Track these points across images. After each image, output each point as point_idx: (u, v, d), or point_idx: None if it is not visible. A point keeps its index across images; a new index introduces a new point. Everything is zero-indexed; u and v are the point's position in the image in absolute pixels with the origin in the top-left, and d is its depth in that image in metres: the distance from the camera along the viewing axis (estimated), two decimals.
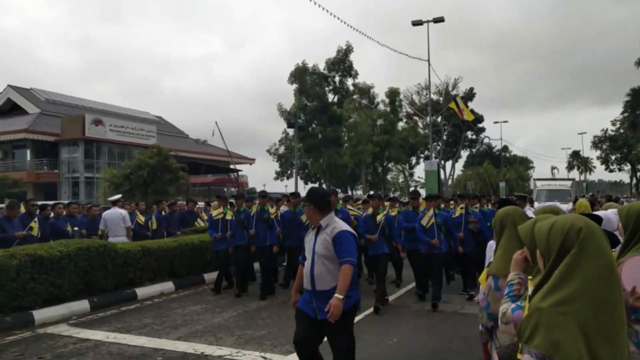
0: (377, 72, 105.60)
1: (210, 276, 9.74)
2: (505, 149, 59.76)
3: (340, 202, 9.69)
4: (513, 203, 3.62)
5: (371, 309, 7.21)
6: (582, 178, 70.35)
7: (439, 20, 23.44)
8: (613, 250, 1.92)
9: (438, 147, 50.40)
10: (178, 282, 9.40)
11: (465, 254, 8.34)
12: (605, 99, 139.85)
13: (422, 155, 51.69)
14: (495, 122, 50.23)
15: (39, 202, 10.39)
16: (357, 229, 8.13)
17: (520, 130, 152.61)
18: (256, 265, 9.96)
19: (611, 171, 62.46)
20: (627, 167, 60.50)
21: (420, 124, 50.30)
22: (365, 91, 46.08)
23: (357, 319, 6.72)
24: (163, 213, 11.66)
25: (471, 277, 8.26)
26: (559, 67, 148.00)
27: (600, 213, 3.63)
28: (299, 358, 3.72)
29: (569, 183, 28.54)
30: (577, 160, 73.91)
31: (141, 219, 11.09)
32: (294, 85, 40.17)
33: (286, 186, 48.80)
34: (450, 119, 47.84)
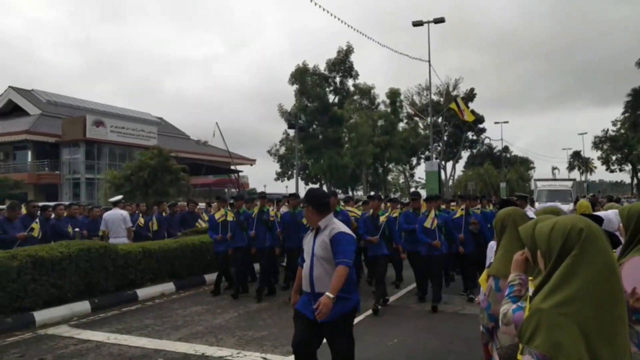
0: (378, 72, 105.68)
1: (211, 277, 9.74)
2: (505, 149, 59.80)
3: (342, 203, 9.69)
4: (514, 204, 3.63)
5: (371, 310, 7.21)
6: (583, 178, 70.28)
7: (439, 20, 23.45)
8: (614, 250, 1.92)
9: (439, 148, 50.42)
10: (179, 283, 9.41)
11: (465, 255, 8.33)
12: (606, 99, 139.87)
13: (422, 156, 51.73)
14: (495, 123, 50.26)
15: (40, 203, 10.40)
16: (357, 230, 8.14)
17: (521, 131, 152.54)
18: (257, 266, 9.95)
19: (612, 171, 62.48)
20: (628, 167, 60.48)
21: (420, 125, 50.33)
22: (365, 92, 46.11)
23: (357, 319, 6.72)
24: (164, 214, 11.67)
25: (471, 278, 8.24)
26: (560, 67, 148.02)
27: (600, 213, 3.63)
28: None
29: (570, 183, 28.52)
30: (578, 161, 73.86)
31: (142, 221, 11.09)
32: (295, 86, 40.19)
33: (287, 187, 48.85)
34: (450, 119, 47.86)
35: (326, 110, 39.32)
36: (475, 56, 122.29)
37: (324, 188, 43.05)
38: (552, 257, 1.67)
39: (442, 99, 48.06)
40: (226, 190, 40.35)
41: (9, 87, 41.66)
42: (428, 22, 23.55)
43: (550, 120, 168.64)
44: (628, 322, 1.64)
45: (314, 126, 40.04)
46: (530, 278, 1.97)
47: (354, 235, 3.70)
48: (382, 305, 7.54)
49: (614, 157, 60.47)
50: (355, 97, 45.29)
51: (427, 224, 7.69)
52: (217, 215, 8.89)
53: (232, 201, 10.46)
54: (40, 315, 6.84)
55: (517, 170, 57.00)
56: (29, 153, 38.86)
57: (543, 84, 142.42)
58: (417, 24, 23.64)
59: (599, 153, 61.99)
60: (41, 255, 6.99)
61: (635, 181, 60.95)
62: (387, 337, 6.07)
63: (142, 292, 8.59)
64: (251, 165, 51.58)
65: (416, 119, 47.97)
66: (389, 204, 10.10)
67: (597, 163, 67.30)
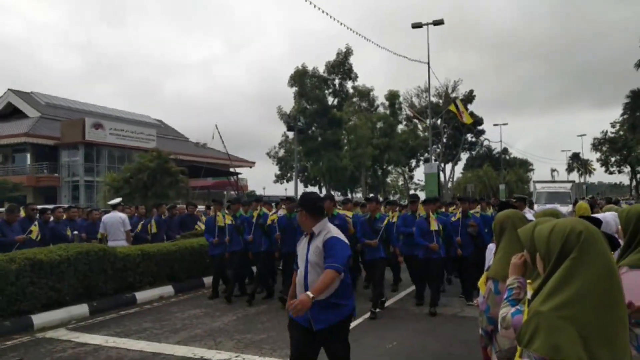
0: (377, 74, 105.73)
1: (210, 280, 9.70)
2: (505, 151, 59.87)
3: (341, 204, 9.66)
4: (513, 206, 3.62)
5: (369, 313, 7.19)
6: (582, 180, 70.44)
7: (438, 22, 23.47)
8: (612, 252, 1.91)
9: (438, 150, 50.42)
10: (178, 286, 9.39)
11: (464, 258, 8.25)
12: (605, 101, 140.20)
13: (421, 158, 51.75)
14: (495, 125, 50.40)
15: (39, 206, 10.40)
16: (355, 233, 8.11)
17: (520, 133, 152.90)
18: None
19: (611, 173, 62.60)
20: (627, 169, 60.61)
21: (420, 127, 50.34)
22: (365, 94, 46.14)
23: (355, 323, 6.72)
24: (162, 217, 11.66)
25: (470, 281, 8.19)
26: (559, 69, 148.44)
27: (599, 216, 3.63)
28: None
29: (569, 185, 28.55)
30: (577, 163, 74.00)
31: (139, 228, 11.07)
32: (294, 88, 40.21)
33: (286, 189, 48.89)
34: (450, 121, 47.88)
35: (325, 112, 39.33)
36: (475, 57, 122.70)
37: (323, 190, 43.06)
38: (551, 259, 1.66)
39: (441, 101, 48.10)
40: (225, 192, 40.32)
41: (8, 89, 41.64)
42: (427, 24, 23.58)
43: (550, 122, 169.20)
44: (628, 324, 1.63)
45: (313, 128, 40.04)
46: (528, 281, 1.97)
47: (347, 242, 3.58)
48: (380, 307, 7.53)
49: (613, 159, 60.60)
50: (354, 99, 45.32)
51: (433, 227, 7.67)
52: (220, 220, 8.81)
53: (228, 204, 10.43)
54: (38, 319, 6.82)
55: (516, 172, 57.14)
56: (28, 155, 38.81)
57: (542, 86, 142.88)
58: (416, 26, 23.66)
59: (598, 155, 62.19)
60: (40, 259, 6.98)
61: (634, 183, 61.04)
62: (385, 340, 6.06)
63: (141, 295, 8.57)
64: (250, 167, 51.57)
65: (415, 121, 47.99)
66: (384, 208, 10.08)
67: (596, 165, 67.47)
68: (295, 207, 3.93)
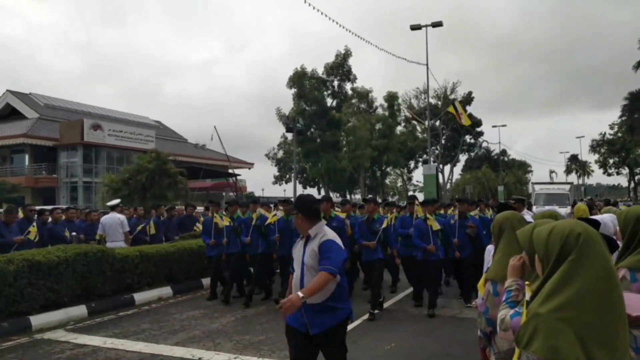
0: (376, 75, 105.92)
1: (209, 281, 9.70)
2: (503, 152, 59.95)
3: (339, 206, 9.65)
4: (511, 207, 3.62)
5: (367, 314, 7.18)
6: (581, 182, 70.52)
7: (437, 24, 23.51)
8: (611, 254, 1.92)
9: (436, 151, 50.45)
10: (176, 287, 9.38)
11: (462, 259, 8.19)
12: (604, 103, 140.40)
13: (420, 159, 51.77)
14: (493, 126, 50.53)
15: (37, 207, 10.38)
16: (352, 235, 8.10)
17: (519, 134, 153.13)
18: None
19: (609, 175, 62.72)
20: (625, 170, 60.69)
21: (418, 128, 50.37)
22: (363, 95, 46.16)
23: (355, 324, 6.73)
24: (161, 218, 11.65)
25: (469, 283, 8.17)
26: (558, 70, 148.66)
27: (597, 217, 3.63)
28: None
29: (567, 187, 28.62)
30: (575, 164, 74.09)
31: (139, 229, 11.03)
32: (293, 90, 40.25)
33: (284, 190, 48.92)
34: (448, 123, 47.90)
35: (324, 113, 39.36)
36: (474, 59, 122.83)
37: (322, 191, 43.06)
38: (549, 261, 1.67)
39: (440, 103, 48.16)
40: (224, 194, 40.32)
41: (7, 90, 41.59)
42: (426, 26, 23.62)
43: (548, 124, 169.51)
44: (627, 326, 1.63)
45: (312, 130, 40.07)
46: (527, 283, 1.97)
47: (343, 246, 3.54)
48: (379, 308, 7.52)
49: (611, 161, 60.68)
50: (353, 101, 45.32)
51: (435, 227, 7.64)
52: (218, 222, 8.78)
53: (226, 205, 10.39)
54: (36, 320, 6.80)
55: (514, 173, 57.20)
56: (27, 156, 38.76)
57: (541, 87, 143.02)
58: (415, 27, 23.70)
59: (596, 156, 62.26)
60: (38, 260, 6.96)
61: (632, 184, 61.13)
62: (384, 341, 6.06)
63: (139, 297, 8.56)
64: (249, 168, 51.59)
65: (414, 122, 48.03)
66: (386, 208, 10.07)
67: (594, 166, 67.53)
68: (292, 210, 3.84)
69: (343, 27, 23.06)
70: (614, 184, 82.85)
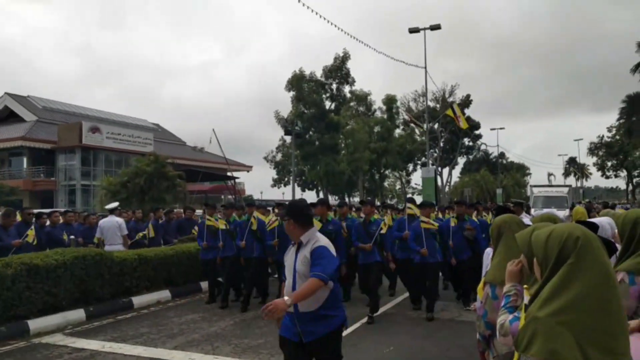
0: (375, 77, 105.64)
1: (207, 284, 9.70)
2: (502, 155, 60.03)
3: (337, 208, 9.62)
4: (510, 210, 3.63)
5: (366, 318, 7.17)
6: (579, 184, 70.64)
7: (435, 27, 23.57)
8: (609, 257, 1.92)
9: (435, 154, 50.50)
10: (175, 291, 9.36)
11: (461, 262, 8.07)
12: (602, 105, 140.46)
13: (419, 162, 51.83)
14: (492, 129, 50.56)
15: (35, 210, 10.36)
16: (349, 237, 8.08)
17: (517, 137, 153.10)
18: None
19: (607, 177, 62.88)
20: (623, 173, 60.84)
21: (417, 131, 50.46)
22: (362, 98, 46.26)
23: (354, 327, 6.72)
24: (159, 221, 11.64)
25: (466, 286, 8.14)
26: (556, 73, 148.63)
27: (594, 220, 3.64)
28: None
29: (566, 190, 28.66)
30: (574, 167, 74.23)
31: (140, 235, 11.02)
32: (291, 93, 40.32)
33: (283, 193, 48.87)
34: (447, 125, 48.03)
35: (323, 116, 39.43)
36: (473, 60, 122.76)
37: (321, 194, 43.09)
38: (548, 265, 1.67)
39: (438, 105, 48.27)
40: (223, 197, 40.29)
41: (5, 93, 41.60)
42: (424, 29, 23.67)
43: (547, 126, 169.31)
44: (627, 330, 1.63)
45: (311, 133, 40.14)
46: (525, 286, 1.97)
47: (335, 254, 3.47)
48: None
49: (609, 163, 60.84)
50: (351, 104, 45.44)
51: (432, 225, 7.53)
52: (213, 224, 8.77)
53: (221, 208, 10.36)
54: (34, 324, 6.78)
55: (513, 176, 57.29)
56: (25, 159, 38.76)
57: (540, 90, 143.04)
58: (414, 30, 23.76)
59: (594, 159, 62.42)
60: (36, 263, 6.95)
61: (630, 187, 61.27)
62: (382, 344, 6.05)
63: (138, 300, 8.54)
64: (248, 171, 51.57)
65: (412, 125, 48.11)
66: (384, 210, 10.07)
67: (592, 169, 67.71)
68: (283, 216, 3.74)
69: (341, 30, 23.09)
70: (612, 187, 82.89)
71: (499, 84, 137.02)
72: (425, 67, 24.34)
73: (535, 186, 30.79)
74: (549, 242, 1.69)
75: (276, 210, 9.65)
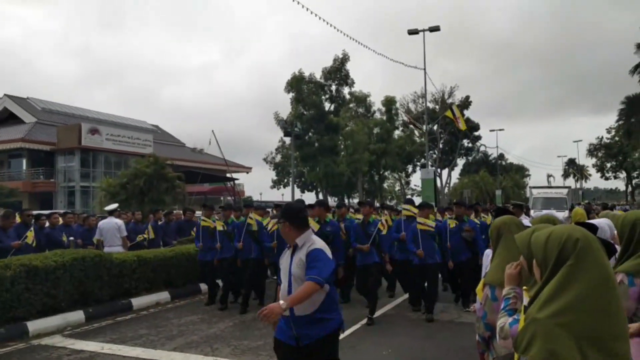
0: (374, 78, 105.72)
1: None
2: (501, 156, 60.07)
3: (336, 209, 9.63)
4: (509, 212, 3.63)
5: (365, 319, 7.17)
6: (578, 186, 70.65)
7: (434, 29, 23.59)
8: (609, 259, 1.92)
9: (434, 155, 50.52)
10: (174, 292, 9.35)
11: (460, 263, 8.05)
12: (601, 107, 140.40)
13: (418, 164, 51.84)
14: (491, 130, 50.57)
15: (34, 212, 10.34)
16: (347, 238, 8.07)
17: (516, 138, 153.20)
18: None
19: (607, 179, 62.94)
20: (623, 174, 60.90)
21: (416, 132, 50.48)
22: (361, 100, 46.29)
23: (353, 328, 6.72)
24: (159, 222, 11.63)
25: (465, 287, 8.12)
26: (555, 75, 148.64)
27: (593, 222, 3.65)
28: None
29: (565, 191, 28.68)
30: (573, 168, 74.24)
31: (140, 237, 11.02)
32: (291, 94, 40.34)
33: (282, 195, 48.94)
34: (446, 127, 48.05)
35: (322, 118, 39.44)
36: (472, 62, 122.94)
37: (320, 196, 43.07)
38: (548, 266, 1.67)
39: (437, 107, 48.29)
40: (222, 198, 40.29)
41: (5, 94, 41.58)
42: (423, 31, 23.69)
43: (546, 128, 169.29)
44: (627, 331, 1.63)
45: (310, 134, 40.14)
46: (525, 288, 1.97)
47: (331, 257, 3.43)
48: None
49: (608, 165, 60.94)
50: (351, 105, 45.46)
51: (429, 226, 7.53)
52: (210, 225, 8.76)
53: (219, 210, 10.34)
54: (33, 325, 6.78)
55: (512, 177, 57.27)
56: (24, 161, 38.71)
57: (539, 92, 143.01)
58: (413, 32, 23.77)
59: (593, 160, 62.50)
60: (35, 265, 6.94)
61: (629, 188, 61.33)
62: (382, 346, 6.05)
63: (137, 302, 8.53)
64: (247, 173, 51.58)
65: (412, 126, 48.14)
66: (384, 212, 10.06)
67: (592, 170, 67.77)
68: (279, 219, 3.70)
69: (340, 32, 23.16)
70: (612, 188, 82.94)
71: (499, 85, 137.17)
72: (425, 69, 24.39)
73: (534, 187, 30.80)
74: (548, 244, 1.69)
75: (275, 212, 9.65)
